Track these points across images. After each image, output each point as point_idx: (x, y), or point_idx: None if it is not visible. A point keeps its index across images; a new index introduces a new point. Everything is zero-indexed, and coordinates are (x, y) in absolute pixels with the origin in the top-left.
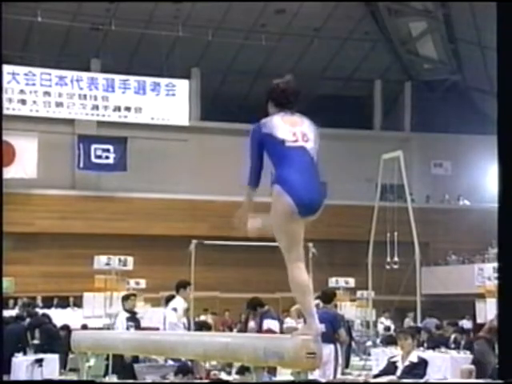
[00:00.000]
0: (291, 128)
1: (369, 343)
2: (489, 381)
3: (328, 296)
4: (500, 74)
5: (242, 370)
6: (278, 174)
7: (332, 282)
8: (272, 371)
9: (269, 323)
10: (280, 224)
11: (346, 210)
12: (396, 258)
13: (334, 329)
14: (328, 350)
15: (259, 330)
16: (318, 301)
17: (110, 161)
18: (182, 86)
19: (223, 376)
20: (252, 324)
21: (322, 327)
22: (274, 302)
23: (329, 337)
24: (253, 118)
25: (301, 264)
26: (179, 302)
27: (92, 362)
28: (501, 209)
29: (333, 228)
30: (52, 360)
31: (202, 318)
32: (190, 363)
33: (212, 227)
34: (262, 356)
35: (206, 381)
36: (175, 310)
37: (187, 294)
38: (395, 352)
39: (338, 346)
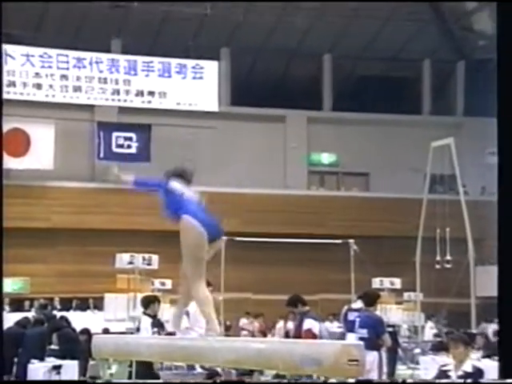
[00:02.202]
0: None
1: (417, 350)
2: (489, 381)
3: (370, 298)
4: (500, 74)
5: (277, 378)
6: (185, 210)
7: (376, 282)
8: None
9: (310, 323)
10: (192, 250)
11: (391, 204)
12: (447, 257)
13: (378, 334)
14: (371, 357)
15: (298, 330)
16: (359, 303)
17: (133, 150)
18: (211, 67)
19: None
20: (290, 325)
21: (364, 332)
22: (313, 304)
23: (372, 343)
24: (287, 102)
25: (203, 280)
26: (193, 305)
27: (114, 369)
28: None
29: (377, 223)
30: (71, 367)
31: (244, 321)
32: (219, 370)
33: (243, 222)
34: (299, 363)
35: (210, 381)
36: (187, 314)
37: None
38: (447, 360)
39: (383, 353)
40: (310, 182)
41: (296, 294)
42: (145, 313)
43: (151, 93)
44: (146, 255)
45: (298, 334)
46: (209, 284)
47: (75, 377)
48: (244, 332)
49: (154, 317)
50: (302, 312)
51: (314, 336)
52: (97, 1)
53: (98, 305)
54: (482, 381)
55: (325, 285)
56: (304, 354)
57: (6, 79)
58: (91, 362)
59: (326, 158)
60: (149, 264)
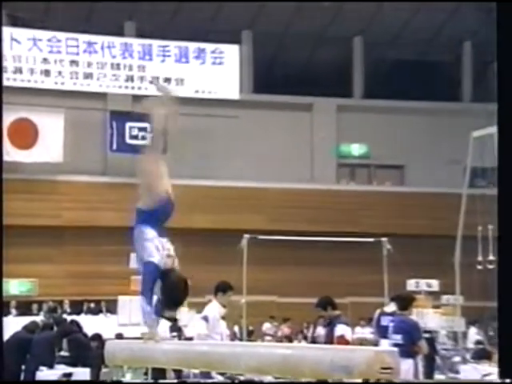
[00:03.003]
0: None
1: (457, 358)
2: (489, 381)
3: (404, 301)
4: (500, 74)
5: None
6: None
7: (411, 284)
8: None
9: (343, 329)
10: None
11: (427, 199)
12: (490, 257)
13: (414, 340)
14: (406, 365)
15: (330, 336)
16: (393, 306)
17: (148, 142)
18: (231, 52)
19: None
20: (320, 330)
21: (398, 338)
22: (343, 308)
23: (407, 350)
24: (315, 89)
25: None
26: (213, 309)
27: (128, 377)
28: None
29: (412, 220)
30: (82, 374)
31: (267, 325)
32: (242, 379)
33: (267, 219)
34: (328, 370)
35: (215, 380)
36: (205, 318)
37: (227, 300)
38: (489, 369)
39: (419, 361)
40: (339, 176)
41: (326, 296)
42: (162, 316)
43: (167, 79)
44: None
45: (330, 340)
46: (230, 287)
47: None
48: (268, 338)
49: (172, 320)
50: (331, 316)
51: (347, 343)
52: (97, 1)
53: (111, 308)
54: (481, 381)
55: (355, 287)
56: (333, 360)
57: (11, 65)
58: (104, 370)
59: (357, 149)
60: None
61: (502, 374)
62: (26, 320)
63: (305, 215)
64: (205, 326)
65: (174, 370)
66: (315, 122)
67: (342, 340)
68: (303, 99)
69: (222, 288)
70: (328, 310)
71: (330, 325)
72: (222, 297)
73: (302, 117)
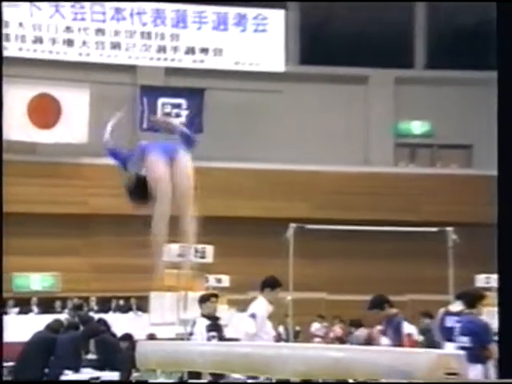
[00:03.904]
0: None
1: None
2: (489, 381)
3: (472, 298)
4: (500, 75)
5: None
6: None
7: (480, 280)
8: None
9: (410, 328)
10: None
11: None
12: None
13: (483, 343)
14: (475, 370)
15: (398, 337)
16: (459, 305)
17: (182, 119)
18: (276, 18)
19: None
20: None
21: (466, 340)
22: (402, 306)
23: (476, 354)
24: (370, 59)
25: None
26: (260, 306)
27: (163, 381)
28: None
29: (480, 207)
30: (111, 379)
31: (316, 326)
32: None
33: (316, 207)
34: (385, 374)
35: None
36: (253, 316)
37: (274, 297)
38: None
39: (490, 367)
40: (397, 158)
41: (381, 293)
42: (202, 314)
43: (204, 50)
44: (199, 246)
45: (398, 341)
46: (278, 283)
47: None
48: (317, 339)
49: (210, 319)
50: (389, 315)
51: (416, 342)
52: (97, 1)
53: (142, 305)
54: (481, 381)
55: (416, 283)
56: (391, 364)
57: (31, 35)
58: (135, 374)
59: (418, 127)
60: (202, 257)
61: (502, 373)
62: (48, 318)
63: (359, 202)
64: (253, 325)
65: (213, 374)
66: (371, 96)
67: (411, 339)
68: (357, 71)
69: (270, 284)
70: (385, 309)
71: (390, 324)
72: (269, 293)
73: (356, 91)
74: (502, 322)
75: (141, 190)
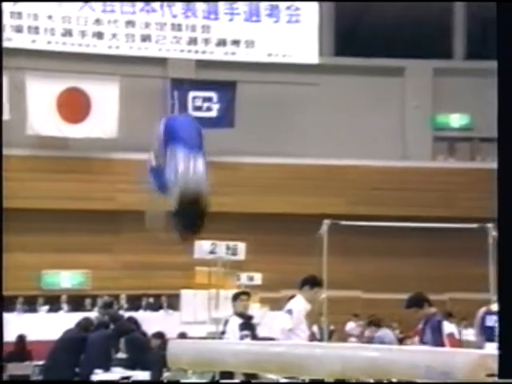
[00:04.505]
0: None
1: None
2: (489, 381)
3: None
4: (500, 75)
5: None
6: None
7: None
8: None
9: (450, 327)
10: None
11: None
12: None
13: None
14: None
15: (438, 337)
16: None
17: (213, 113)
18: (310, 9)
19: None
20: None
21: None
22: (441, 305)
23: None
24: (407, 50)
25: None
26: (298, 303)
27: (194, 381)
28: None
29: None
30: (141, 378)
31: (351, 325)
32: None
33: (351, 203)
34: (423, 376)
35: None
36: (290, 312)
37: (313, 296)
38: None
39: None
40: (435, 152)
41: (417, 292)
42: (234, 312)
43: (236, 42)
44: (231, 243)
45: (437, 340)
46: (318, 283)
47: None
48: (352, 338)
49: (243, 317)
50: (428, 314)
51: (458, 342)
52: (99, 1)
53: (173, 303)
54: (480, 381)
55: (455, 281)
56: (429, 364)
57: (60, 27)
58: (166, 373)
59: (457, 119)
60: (234, 254)
61: (502, 373)
62: (78, 316)
63: (395, 197)
64: (289, 321)
65: (245, 375)
66: (408, 88)
67: (454, 339)
68: (393, 62)
69: (310, 282)
70: (424, 308)
71: (428, 324)
72: (307, 292)
73: (393, 83)
74: (502, 322)
75: (193, 212)
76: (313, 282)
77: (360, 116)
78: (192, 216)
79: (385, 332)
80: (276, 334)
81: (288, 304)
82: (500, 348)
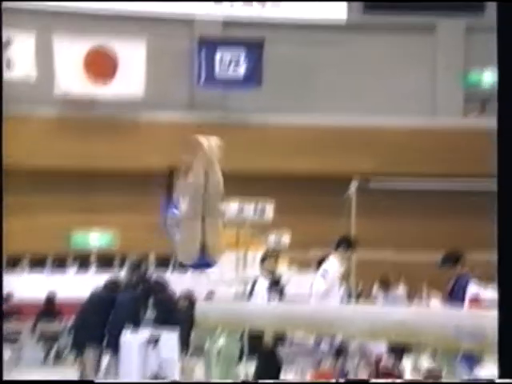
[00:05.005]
0: None
1: None
2: (489, 381)
3: None
4: (500, 76)
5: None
6: None
7: None
8: (472, 358)
9: (476, 288)
10: None
11: None
12: None
13: None
14: None
15: (461, 296)
16: None
17: (240, 72)
18: None
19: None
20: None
21: None
22: (470, 265)
23: None
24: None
25: None
26: (332, 265)
27: (222, 341)
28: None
29: None
30: (170, 338)
31: (402, 287)
32: (353, 346)
33: (380, 162)
34: (452, 336)
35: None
36: (325, 273)
37: (348, 256)
38: None
39: None
40: (467, 110)
41: (454, 249)
42: (262, 273)
43: (263, 0)
44: (259, 204)
45: (461, 300)
46: (353, 243)
47: (175, 350)
48: (379, 300)
49: (271, 278)
50: (460, 274)
51: (481, 304)
52: (101, 1)
53: None
54: (480, 381)
55: (486, 240)
56: (459, 325)
57: None
58: (194, 333)
59: (490, 77)
60: (262, 215)
61: (502, 373)
62: (107, 277)
63: (425, 157)
64: (323, 283)
65: (275, 336)
66: (439, 46)
67: (476, 301)
68: (424, 19)
69: (344, 243)
70: (457, 267)
71: (458, 284)
72: (342, 253)
73: (423, 41)
74: (502, 322)
75: None
76: (348, 243)
77: (390, 75)
78: None
79: (400, 291)
80: (305, 296)
81: (322, 266)
82: (500, 348)
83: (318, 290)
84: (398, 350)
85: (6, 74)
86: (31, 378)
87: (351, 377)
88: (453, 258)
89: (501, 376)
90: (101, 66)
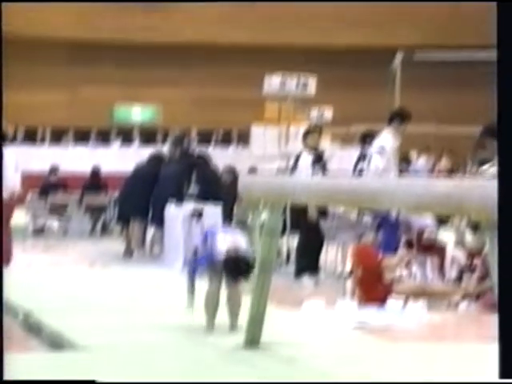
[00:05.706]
0: None
1: None
2: (488, 381)
3: None
4: (500, 76)
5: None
6: None
7: None
8: None
9: None
10: None
11: None
12: None
13: None
14: None
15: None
16: None
17: None
18: None
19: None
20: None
21: None
22: None
23: None
24: None
25: None
26: (387, 140)
27: (264, 215)
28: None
29: None
30: (214, 211)
31: (423, 159)
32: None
33: (425, 34)
34: (494, 208)
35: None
36: (382, 150)
37: (402, 130)
38: None
39: None
40: None
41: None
42: (305, 148)
43: None
44: (301, 77)
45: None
46: (408, 116)
47: (219, 223)
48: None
49: (314, 153)
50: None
51: None
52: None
53: (244, 138)
54: (479, 381)
55: None
56: None
57: None
58: (237, 207)
59: None
60: (304, 88)
61: (502, 373)
62: (150, 151)
63: (471, 28)
64: (380, 160)
65: (318, 209)
66: None
67: None
68: None
69: (399, 116)
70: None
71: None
72: (397, 127)
73: None
74: (502, 320)
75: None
76: (403, 116)
77: None
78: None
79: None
80: (348, 171)
81: (376, 141)
82: (500, 348)
83: (377, 168)
84: (441, 223)
85: None
86: (78, 248)
87: (393, 250)
88: (494, 130)
89: (501, 376)
90: None
